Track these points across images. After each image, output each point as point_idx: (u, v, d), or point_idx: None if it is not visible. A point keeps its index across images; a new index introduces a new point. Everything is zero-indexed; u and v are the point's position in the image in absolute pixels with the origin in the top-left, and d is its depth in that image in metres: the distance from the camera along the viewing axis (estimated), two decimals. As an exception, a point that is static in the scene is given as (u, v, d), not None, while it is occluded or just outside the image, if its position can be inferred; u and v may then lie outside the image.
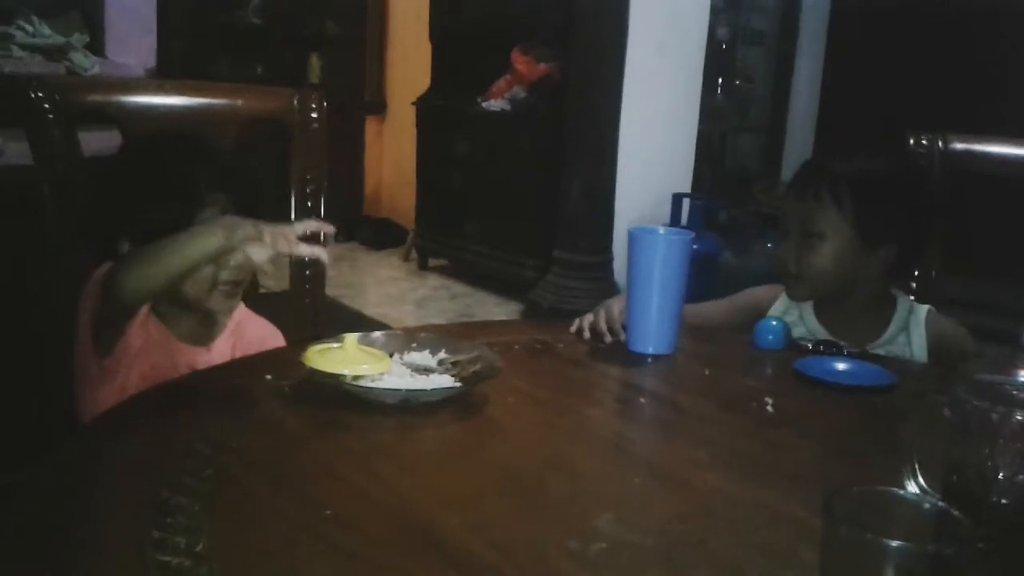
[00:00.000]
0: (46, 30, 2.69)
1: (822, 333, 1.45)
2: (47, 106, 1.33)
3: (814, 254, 1.41)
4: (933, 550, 0.57)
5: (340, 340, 1.06)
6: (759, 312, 1.48)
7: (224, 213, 1.23)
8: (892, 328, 1.45)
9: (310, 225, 1.08)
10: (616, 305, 1.31)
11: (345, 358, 1.03)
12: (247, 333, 1.34)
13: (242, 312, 1.36)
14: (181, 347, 1.27)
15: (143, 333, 1.23)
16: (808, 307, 1.48)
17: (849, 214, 1.39)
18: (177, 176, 1.26)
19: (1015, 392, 0.75)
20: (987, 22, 4.59)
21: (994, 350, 1.37)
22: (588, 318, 1.31)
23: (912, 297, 1.53)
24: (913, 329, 1.45)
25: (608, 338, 1.28)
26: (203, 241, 1.07)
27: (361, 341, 1.08)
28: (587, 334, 1.30)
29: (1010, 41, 4.56)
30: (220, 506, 0.77)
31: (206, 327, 1.32)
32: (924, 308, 1.48)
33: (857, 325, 1.45)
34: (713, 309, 1.54)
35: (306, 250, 1.05)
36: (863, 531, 0.57)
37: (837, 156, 1.55)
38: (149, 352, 1.22)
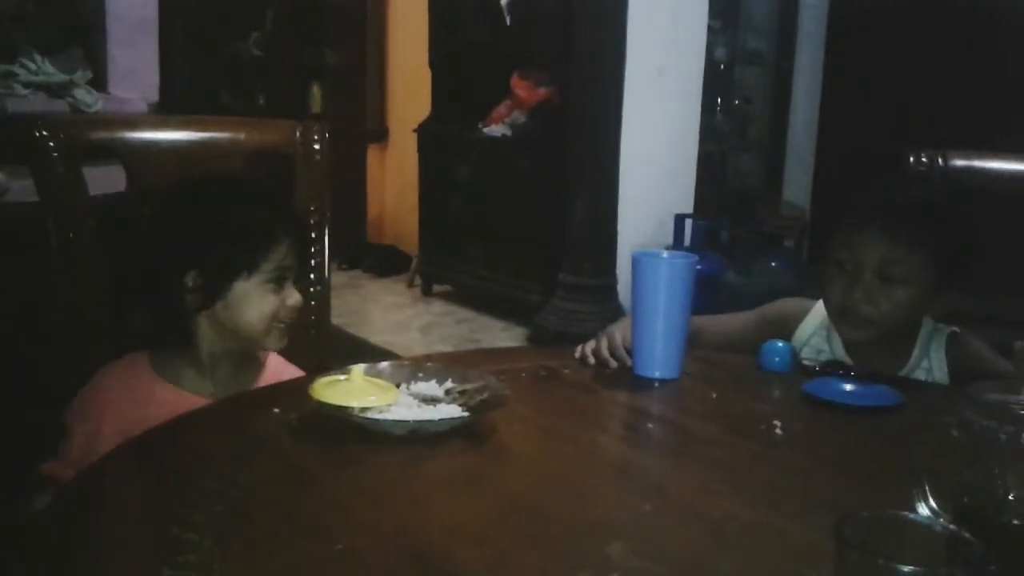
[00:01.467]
0: (49, 68, 2.71)
1: (846, 360, 1.40)
2: (52, 144, 1.34)
3: (890, 300, 1.32)
4: (945, 574, 0.57)
5: (347, 372, 1.07)
6: (786, 327, 1.44)
7: (288, 257, 1.28)
8: (914, 355, 1.39)
9: None
10: (619, 331, 1.30)
11: (352, 390, 1.03)
12: (283, 379, 1.33)
13: (277, 361, 1.38)
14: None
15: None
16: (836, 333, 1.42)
17: (934, 258, 1.32)
18: (254, 216, 1.29)
19: (1023, 411, 0.75)
20: (986, 35, 4.61)
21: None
22: (591, 345, 1.31)
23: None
24: (933, 355, 1.39)
25: (613, 364, 1.28)
26: None
27: (368, 372, 1.09)
28: (591, 360, 1.30)
29: (1012, 55, 4.58)
30: (230, 541, 0.77)
31: (238, 377, 1.32)
32: (946, 332, 1.41)
33: (883, 354, 1.39)
34: (738, 322, 1.50)
35: None
36: (875, 556, 0.57)
37: (894, 186, 1.49)
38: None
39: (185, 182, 1.37)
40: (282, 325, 1.30)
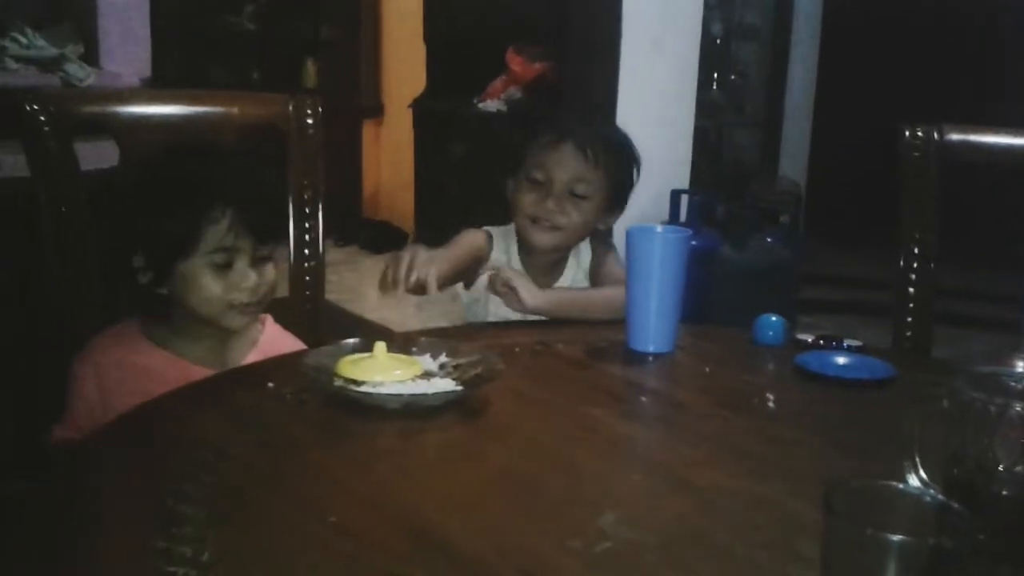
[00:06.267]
0: (40, 41, 2.68)
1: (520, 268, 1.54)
2: (43, 119, 1.33)
3: (578, 211, 1.54)
4: (933, 544, 0.57)
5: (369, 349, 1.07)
6: (483, 258, 1.59)
7: (232, 225, 1.22)
8: (568, 266, 1.60)
9: None
10: (423, 252, 1.33)
11: (377, 366, 1.03)
12: (278, 349, 1.31)
13: (274, 330, 1.36)
14: (203, 372, 1.24)
15: (158, 381, 1.14)
16: (515, 248, 1.60)
17: (612, 181, 1.58)
18: (183, 184, 1.24)
19: (1013, 383, 0.75)
20: (982, 11, 4.59)
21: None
22: (390, 271, 1.30)
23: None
24: (583, 255, 1.61)
25: (409, 283, 1.28)
26: None
27: (361, 347, 1.09)
28: (397, 288, 1.29)
29: (1006, 29, 4.56)
30: (224, 515, 0.77)
31: (224, 345, 1.30)
32: (590, 254, 1.61)
33: (549, 267, 1.60)
34: (443, 257, 1.51)
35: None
36: (863, 526, 0.57)
37: (583, 119, 1.74)
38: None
39: (133, 164, 1.35)
40: (239, 306, 1.25)
